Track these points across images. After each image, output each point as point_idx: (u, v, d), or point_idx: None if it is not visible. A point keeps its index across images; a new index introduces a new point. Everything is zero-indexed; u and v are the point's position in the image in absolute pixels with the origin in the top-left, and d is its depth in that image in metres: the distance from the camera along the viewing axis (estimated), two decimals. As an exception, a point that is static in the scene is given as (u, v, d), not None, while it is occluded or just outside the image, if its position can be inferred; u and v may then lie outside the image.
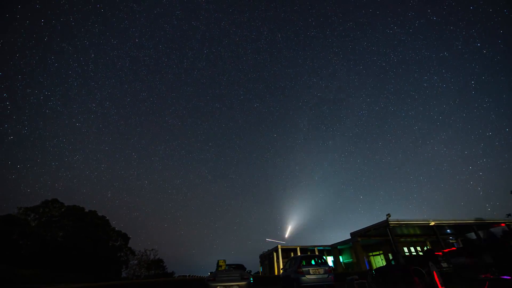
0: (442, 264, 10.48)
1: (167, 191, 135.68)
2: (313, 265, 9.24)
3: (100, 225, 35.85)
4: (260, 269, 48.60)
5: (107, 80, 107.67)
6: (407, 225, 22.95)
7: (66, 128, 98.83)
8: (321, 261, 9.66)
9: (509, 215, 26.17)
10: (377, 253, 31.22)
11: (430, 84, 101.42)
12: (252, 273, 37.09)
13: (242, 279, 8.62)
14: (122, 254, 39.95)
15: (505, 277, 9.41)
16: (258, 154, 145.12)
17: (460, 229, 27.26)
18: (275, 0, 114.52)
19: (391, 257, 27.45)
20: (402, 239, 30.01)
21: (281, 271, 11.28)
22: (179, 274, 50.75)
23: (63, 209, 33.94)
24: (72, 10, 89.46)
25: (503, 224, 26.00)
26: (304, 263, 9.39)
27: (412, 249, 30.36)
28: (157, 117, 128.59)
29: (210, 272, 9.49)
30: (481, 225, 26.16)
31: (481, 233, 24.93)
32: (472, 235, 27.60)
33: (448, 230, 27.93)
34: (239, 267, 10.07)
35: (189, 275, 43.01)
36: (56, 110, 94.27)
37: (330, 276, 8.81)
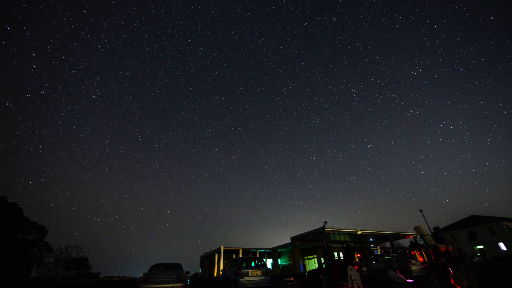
0: (362, 268, 12.00)
1: (163, 180, 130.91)
2: (253, 267, 9.46)
3: (9, 214, 29.67)
4: (199, 271, 47.26)
5: (131, 61, 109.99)
6: (339, 232, 25.62)
7: (82, 97, 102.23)
8: (260, 263, 9.96)
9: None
10: (312, 256, 33.89)
11: (445, 133, 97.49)
12: (190, 275, 35.80)
13: (178, 281, 8.15)
14: (35, 250, 33.78)
15: (410, 280, 11.32)
16: (259, 164, 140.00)
17: (379, 238, 31.80)
18: (308, 20, 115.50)
19: (323, 261, 30.07)
20: (334, 245, 33.33)
21: (221, 272, 11.19)
22: (106, 275, 45.49)
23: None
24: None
25: (411, 236, 31.42)
26: (244, 265, 9.53)
27: (341, 254, 33.94)
28: (171, 106, 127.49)
29: (143, 273, 8.69)
30: (395, 236, 31.13)
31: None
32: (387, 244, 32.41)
33: (371, 239, 32.27)
34: (176, 267, 9.45)
35: (117, 276, 39.01)
36: (77, 79, 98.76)
37: (267, 278, 9.15)
